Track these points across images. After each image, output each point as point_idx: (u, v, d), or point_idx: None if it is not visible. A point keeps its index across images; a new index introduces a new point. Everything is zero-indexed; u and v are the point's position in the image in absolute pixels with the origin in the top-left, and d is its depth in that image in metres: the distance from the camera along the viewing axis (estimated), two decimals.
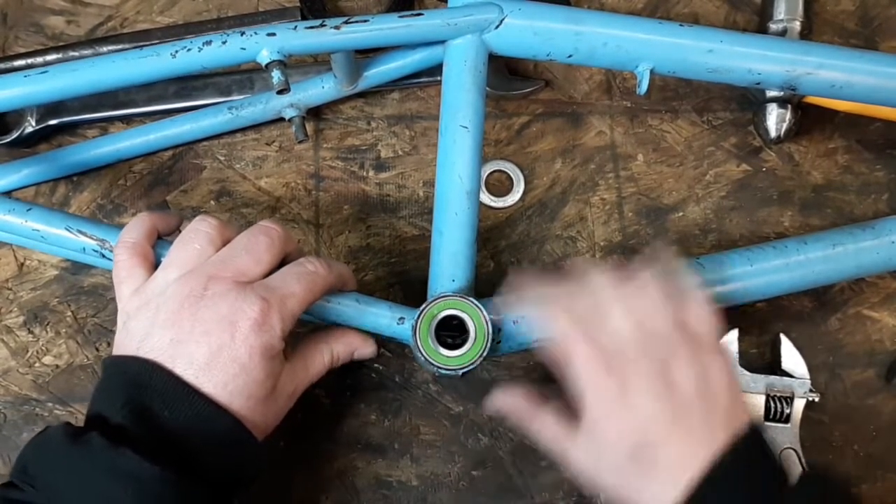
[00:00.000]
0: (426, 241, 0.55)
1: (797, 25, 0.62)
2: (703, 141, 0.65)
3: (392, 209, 0.63)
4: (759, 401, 0.57)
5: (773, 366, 0.59)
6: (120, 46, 0.63)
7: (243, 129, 0.64)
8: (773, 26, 0.63)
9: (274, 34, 0.50)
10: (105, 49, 0.63)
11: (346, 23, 0.51)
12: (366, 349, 0.54)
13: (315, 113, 0.64)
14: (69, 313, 0.60)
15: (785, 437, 0.57)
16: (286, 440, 0.57)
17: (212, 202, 0.62)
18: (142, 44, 0.64)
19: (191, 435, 0.43)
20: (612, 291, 0.46)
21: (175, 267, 0.47)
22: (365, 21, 0.51)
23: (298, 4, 0.65)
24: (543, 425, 0.48)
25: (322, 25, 0.51)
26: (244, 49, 0.50)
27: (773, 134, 0.62)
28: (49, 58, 0.63)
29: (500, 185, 0.63)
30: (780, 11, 0.63)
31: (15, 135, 0.61)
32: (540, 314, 0.48)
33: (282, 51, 0.50)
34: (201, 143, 0.63)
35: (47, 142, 0.63)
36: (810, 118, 0.64)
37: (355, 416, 0.59)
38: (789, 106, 0.61)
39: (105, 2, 0.66)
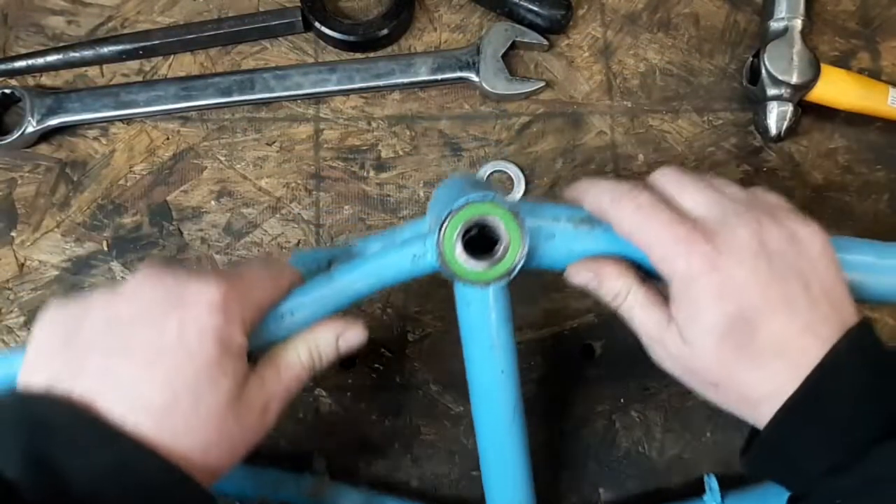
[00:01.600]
0: None
1: (798, 24, 0.62)
2: (703, 141, 0.65)
3: (392, 209, 0.63)
4: None
5: None
6: (121, 47, 0.64)
7: (244, 130, 0.64)
8: (773, 24, 0.63)
9: None
10: (106, 49, 0.64)
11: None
12: (352, 333, 0.43)
13: (315, 112, 0.64)
14: None
15: None
16: (287, 441, 0.57)
17: (212, 202, 0.62)
18: (142, 44, 0.64)
19: (104, 489, 0.33)
20: (680, 175, 0.42)
21: None
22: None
23: (299, 4, 0.65)
24: (642, 307, 0.41)
25: None
26: None
27: (773, 132, 0.62)
28: (49, 58, 0.63)
29: (500, 185, 0.63)
30: (782, 10, 0.63)
31: (16, 135, 0.61)
32: (603, 197, 0.41)
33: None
34: (202, 143, 0.64)
35: (48, 142, 0.63)
36: (811, 118, 0.65)
37: (356, 416, 0.59)
38: (790, 104, 0.61)
39: (105, 2, 0.66)
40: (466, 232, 0.41)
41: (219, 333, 0.37)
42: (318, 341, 0.42)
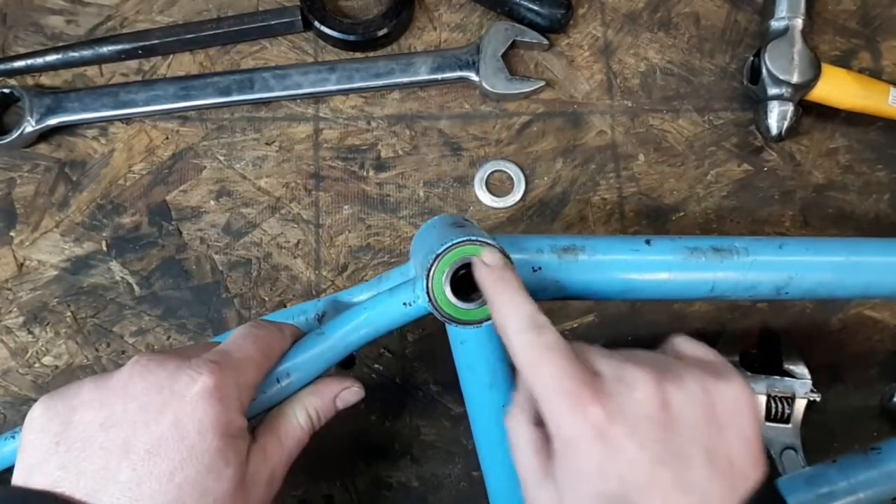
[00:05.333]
0: None
1: (799, 23, 0.62)
2: (704, 140, 0.65)
3: (392, 209, 0.62)
4: (761, 401, 0.57)
5: (774, 366, 0.59)
6: (120, 46, 0.63)
7: (243, 130, 0.64)
8: (774, 24, 0.63)
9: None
10: (105, 49, 0.63)
11: None
12: (349, 393, 0.44)
13: (315, 112, 0.64)
14: (69, 314, 0.60)
15: (786, 438, 0.57)
16: None
17: (211, 202, 0.62)
18: (141, 44, 0.64)
19: None
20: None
21: None
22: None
23: (298, 3, 0.65)
24: (527, 444, 0.37)
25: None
26: None
27: (774, 131, 0.62)
28: (49, 58, 0.63)
29: (500, 185, 0.63)
30: (783, 9, 0.62)
31: (15, 134, 0.61)
32: (510, 322, 0.38)
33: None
34: (201, 143, 0.63)
35: (47, 141, 0.63)
36: (812, 117, 0.64)
37: (356, 416, 0.58)
38: (791, 103, 0.61)
39: (105, 1, 0.66)
40: (454, 273, 0.41)
41: (217, 423, 0.36)
42: (315, 404, 0.43)
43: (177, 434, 0.36)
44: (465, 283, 0.42)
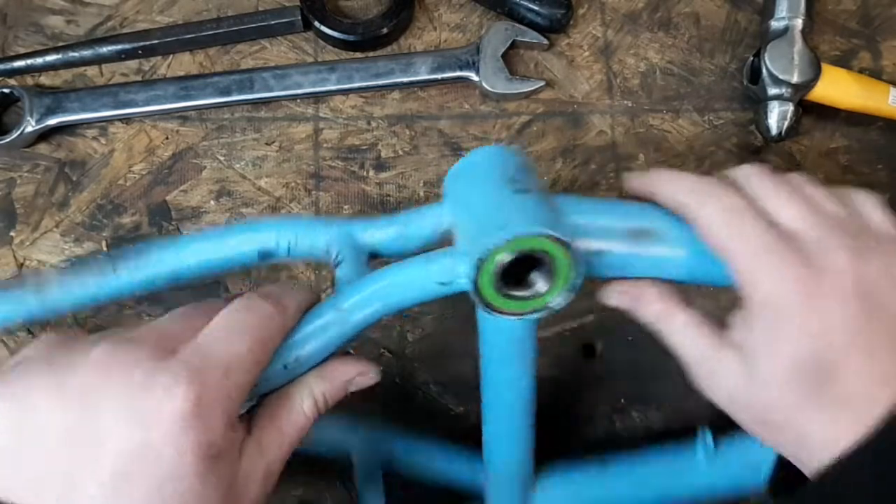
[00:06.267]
0: None
1: (799, 23, 0.62)
2: (704, 140, 0.65)
3: (392, 209, 0.62)
4: None
5: None
6: (120, 46, 0.63)
7: (243, 130, 0.64)
8: (774, 24, 0.63)
9: None
10: (105, 49, 0.63)
11: None
12: (364, 379, 0.39)
13: (315, 112, 0.64)
14: (68, 313, 0.60)
15: None
16: None
17: (211, 202, 0.62)
18: (141, 44, 0.64)
19: None
20: (772, 179, 0.36)
21: None
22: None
23: (298, 3, 0.65)
24: (687, 327, 0.37)
25: None
26: None
27: (774, 131, 0.62)
28: (49, 58, 0.63)
29: None
30: (783, 9, 0.62)
31: (15, 134, 0.61)
32: (683, 193, 0.36)
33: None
34: (201, 143, 0.63)
35: (47, 141, 0.63)
36: (812, 117, 0.64)
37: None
38: (791, 104, 0.61)
39: (105, 1, 0.66)
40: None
41: (198, 444, 0.31)
42: (324, 388, 0.38)
43: (150, 454, 0.30)
44: (513, 271, 0.35)
